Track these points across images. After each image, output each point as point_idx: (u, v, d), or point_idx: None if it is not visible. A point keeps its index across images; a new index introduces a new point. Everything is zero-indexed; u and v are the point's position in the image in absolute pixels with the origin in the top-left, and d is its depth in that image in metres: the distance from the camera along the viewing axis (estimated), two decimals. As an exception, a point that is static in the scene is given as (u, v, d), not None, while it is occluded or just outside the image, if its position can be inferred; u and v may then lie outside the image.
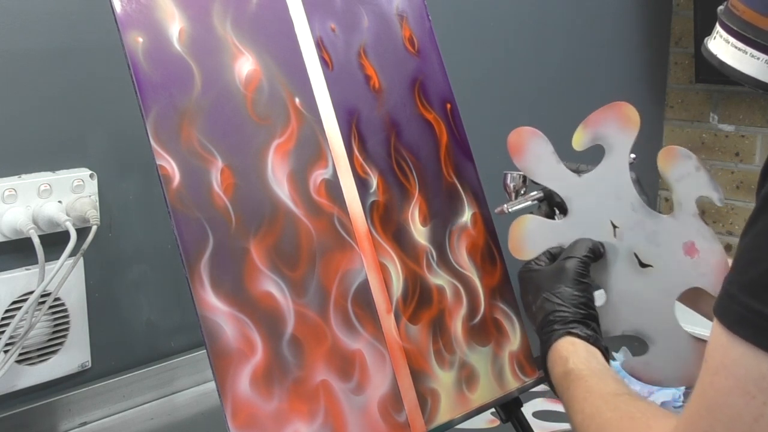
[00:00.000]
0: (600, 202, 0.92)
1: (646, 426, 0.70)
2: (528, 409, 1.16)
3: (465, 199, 1.04)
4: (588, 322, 0.87)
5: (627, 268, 0.92)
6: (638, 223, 0.90)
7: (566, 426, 1.23)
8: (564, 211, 0.96)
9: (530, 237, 0.96)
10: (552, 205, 0.98)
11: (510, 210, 0.98)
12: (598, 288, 0.93)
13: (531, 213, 0.99)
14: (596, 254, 0.92)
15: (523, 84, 1.81)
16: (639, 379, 0.92)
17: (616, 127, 0.93)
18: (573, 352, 0.84)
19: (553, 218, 0.97)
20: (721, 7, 0.80)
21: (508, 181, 0.99)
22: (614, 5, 2.01)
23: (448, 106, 1.06)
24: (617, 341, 1.30)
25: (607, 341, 0.89)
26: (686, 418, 0.64)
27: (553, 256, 0.95)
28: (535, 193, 0.99)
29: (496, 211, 0.99)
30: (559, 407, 1.28)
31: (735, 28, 0.77)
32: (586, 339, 0.85)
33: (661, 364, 0.91)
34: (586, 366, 0.82)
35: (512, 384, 1.00)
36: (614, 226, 0.91)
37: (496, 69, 1.74)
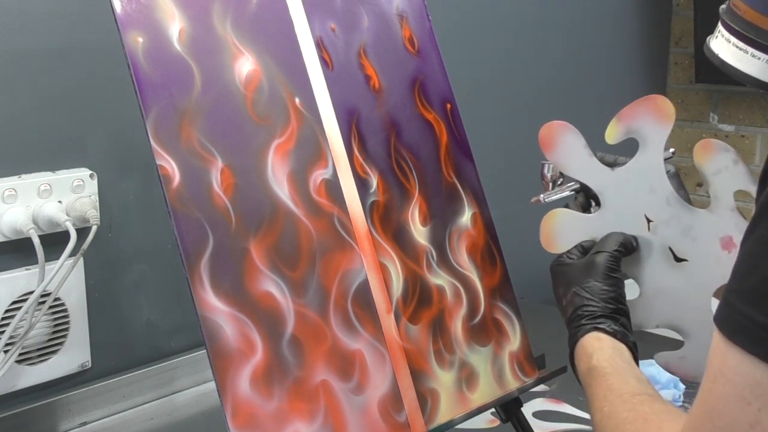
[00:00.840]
0: (634, 196, 0.92)
1: (657, 428, 0.71)
2: (528, 409, 1.16)
3: (465, 199, 1.04)
4: (617, 317, 0.86)
5: (662, 262, 0.91)
6: (673, 217, 0.90)
7: (566, 426, 1.23)
8: (598, 201, 0.95)
9: (562, 230, 0.95)
10: (589, 196, 0.97)
11: (546, 200, 0.97)
12: (626, 278, 0.92)
13: (566, 205, 0.97)
14: (628, 248, 0.91)
15: (523, 84, 1.81)
16: (673, 374, 0.92)
17: (651, 120, 0.92)
18: (598, 349, 0.84)
19: (589, 210, 0.96)
20: (723, 7, 0.80)
21: (546, 171, 0.98)
22: (614, 5, 2.01)
23: (448, 106, 1.06)
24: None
25: (640, 335, 0.88)
26: (689, 422, 0.65)
27: (585, 249, 0.94)
28: (572, 183, 0.97)
29: (531, 201, 0.98)
30: (559, 407, 1.28)
31: (736, 28, 0.77)
32: (613, 335, 0.85)
33: (696, 358, 0.89)
34: (610, 363, 0.82)
35: (512, 384, 1.00)
36: (648, 220, 0.90)
37: (496, 69, 1.74)
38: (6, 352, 1.06)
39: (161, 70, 0.83)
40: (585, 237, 0.94)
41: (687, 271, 0.89)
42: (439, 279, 0.98)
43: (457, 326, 0.98)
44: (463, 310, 0.99)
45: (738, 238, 0.84)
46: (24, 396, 1.12)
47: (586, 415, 1.25)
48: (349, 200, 0.92)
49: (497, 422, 1.13)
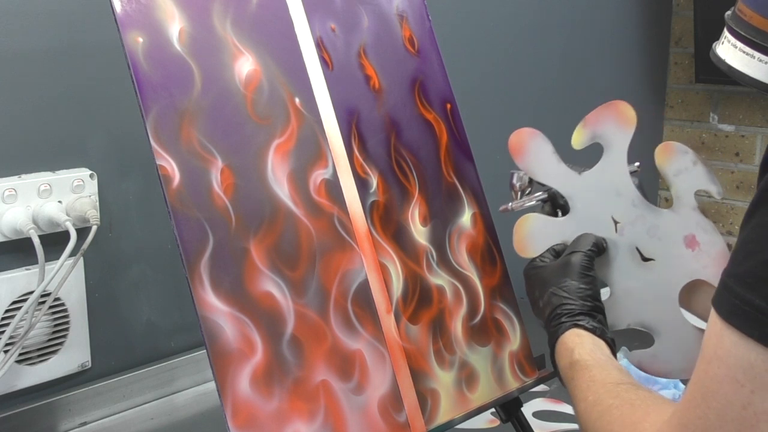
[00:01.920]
0: (601, 199, 0.94)
1: (644, 413, 0.72)
2: (528, 409, 1.16)
3: (465, 199, 1.04)
4: (594, 314, 0.88)
5: (629, 263, 0.93)
6: (639, 218, 0.92)
7: (566, 426, 1.23)
8: (566, 212, 0.97)
9: (534, 235, 0.97)
10: (555, 205, 0.99)
11: (514, 209, 0.99)
12: (604, 285, 0.94)
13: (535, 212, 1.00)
14: (599, 248, 0.93)
15: (523, 84, 1.81)
16: (646, 371, 0.94)
17: (614, 125, 0.94)
18: (579, 344, 0.85)
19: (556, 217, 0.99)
20: (728, 12, 0.81)
21: (514, 180, 1.00)
22: (614, 5, 2.01)
23: (448, 106, 1.06)
24: (617, 340, 1.30)
25: (614, 335, 0.90)
26: (682, 405, 0.66)
27: (557, 252, 0.96)
28: (539, 193, 1.00)
29: (500, 209, 1.00)
30: (559, 407, 1.28)
31: (742, 33, 0.78)
32: (592, 331, 0.87)
33: (667, 356, 0.92)
34: (591, 357, 0.84)
35: (512, 384, 1.00)
36: (615, 222, 0.93)
37: (496, 69, 1.74)
38: (6, 352, 1.06)
39: (161, 70, 0.83)
40: (556, 240, 0.96)
41: (654, 270, 0.92)
42: (439, 279, 0.98)
43: (457, 326, 0.98)
44: (463, 310, 0.99)
45: (700, 237, 0.87)
46: (24, 396, 1.12)
47: (586, 415, 1.25)
48: (349, 200, 0.92)
49: (497, 422, 1.13)
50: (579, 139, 0.96)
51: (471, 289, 1.00)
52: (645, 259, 0.92)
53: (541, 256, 0.96)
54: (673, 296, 0.91)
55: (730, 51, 0.80)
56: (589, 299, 0.89)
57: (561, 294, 0.89)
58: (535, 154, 0.96)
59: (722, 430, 0.61)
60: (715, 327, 0.63)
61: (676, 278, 0.90)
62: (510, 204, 1.00)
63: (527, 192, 1.01)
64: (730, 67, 0.80)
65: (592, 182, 0.95)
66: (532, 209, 1.00)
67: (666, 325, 0.92)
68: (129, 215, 1.20)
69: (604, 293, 0.93)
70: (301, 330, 0.85)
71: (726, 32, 0.81)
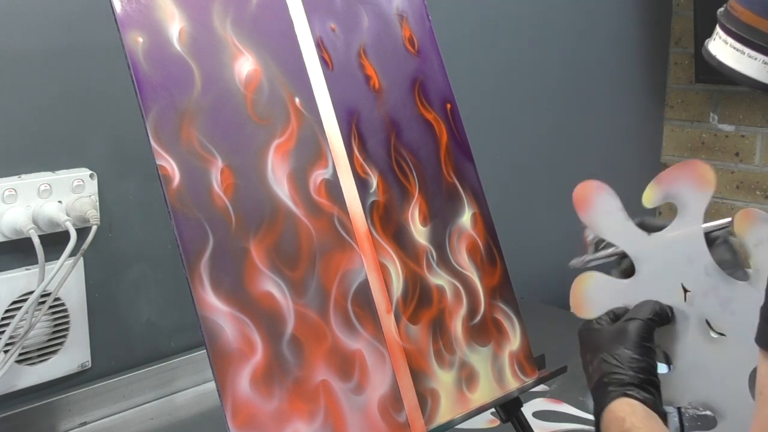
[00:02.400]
0: (670, 264, 0.87)
1: None
2: (528, 409, 1.16)
3: (465, 199, 1.04)
4: (647, 387, 0.82)
5: (697, 336, 0.86)
6: (712, 289, 0.85)
7: (566, 426, 1.23)
8: None
9: (594, 295, 0.92)
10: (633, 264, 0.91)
11: (588, 264, 0.92)
12: (664, 360, 0.88)
13: (609, 271, 0.93)
14: (662, 318, 0.87)
15: (523, 84, 1.81)
16: None
17: (690, 186, 0.88)
18: (630, 413, 0.80)
19: (633, 275, 0.91)
20: (720, 9, 0.80)
21: (587, 234, 0.92)
22: (614, 5, 2.01)
23: (448, 106, 1.06)
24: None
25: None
26: None
27: (617, 316, 0.90)
28: (615, 248, 0.92)
29: (570, 264, 0.94)
30: (559, 407, 1.28)
31: (733, 29, 0.77)
32: (644, 402, 0.80)
33: None
34: (645, 425, 0.78)
35: (512, 384, 1.00)
36: (685, 290, 0.86)
37: (496, 69, 1.74)
38: (6, 352, 1.06)
39: (161, 70, 0.83)
40: (617, 303, 0.90)
41: (725, 347, 0.85)
42: (439, 279, 0.98)
43: (457, 326, 0.98)
44: (463, 310, 0.99)
45: None
46: (24, 396, 1.12)
47: (587, 415, 1.25)
48: (349, 200, 0.92)
49: (497, 422, 1.13)
50: (651, 197, 0.89)
51: (471, 289, 1.00)
52: (716, 334, 0.85)
53: (598, 318, 0.90)
54: (743, 377, 0.84)
55: (721, 47, 0.78)
56: (642, 371, 0.82)
57: (612, 362, 0.83)
58: (601, 209, 0.90)
59: None
60: (764, 366, 0.59)
61: (749, 357, 0.80)
62: (581, 258, 0.93)
63: (602, 246, 0.93)
64: (720, 63, 0.78)
65: (662, 245, 0.88)
66: (607, 266, 0.93)
67: (733, 408, 0.85)
68: (129, 215, 1.20)
69: (662, 368, 0.86)
70: (301, 330, 0.85)
71: (718, 29, 0.80)
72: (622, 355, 0.83)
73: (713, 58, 0.79)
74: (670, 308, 0.87)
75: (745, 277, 0.86)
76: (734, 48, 0.77)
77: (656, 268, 0.88)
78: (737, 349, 0.83)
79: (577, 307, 0.92)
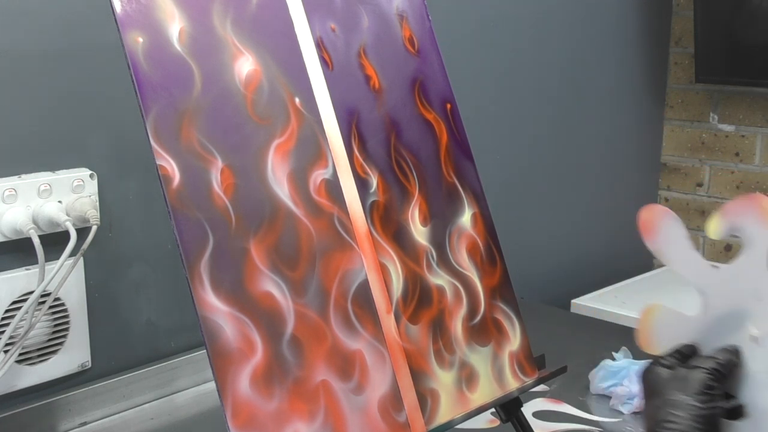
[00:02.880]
0: (738, 301, 0.83)
1: None
2: (528, 409, 1.16)
3: (465, 199, 1.04)
4: None
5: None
6: None
7: (566, 426, 1.23)
8: None
9: (660, 330, 0.88)
10: None
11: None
12: (735, 406, 0.83)
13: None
14: (728, 368, 0.82)
15: (523, 84, 1.81)
16: None
17: (755, 221, 0.82)
18: None
19: None
20: None
21: None
22: (614, 5, 2.01)
23: (448, 106, 1.06)
24: (617, 340, 1.30)
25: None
26: None
27: (683, 356, 0.85)
28: None
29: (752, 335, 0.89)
30: (559, 407, 1.28)
31: None
32: None
33: None
34: None
35: (512, 384, 1.00)
36: (754, 330, 0.82)
37: (496, 69, 1.74)
38: (6, 352, 1.06)
39: (161, 70, 0.83)
40: (684, 339, 0.86)
41: None
42: (439, 279, 0.98)
43: (457, 326, 0.98)
44: (463, 310, 0.99)
45: None
46: (24, 396, 1.12)
47: (587, 415, 1.25)
48: (349, 200, 0.92)
49: (497, 422, 1.13)
50: (716, 229, 0.84)
51: (471, 289, 1.00)
52: None
53: (664, 356, 0.85)
54: None
55: None
56: (702, 421, 0.77)
57: (669, 410, 0.79)
58: (667, 237, 0.86)
59: None
60: None
61: None
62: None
63: None
64: None
65: (728, 280, 0.84)
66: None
67: None
68: (129, 215, 1.20)
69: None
70: (301, 330, 0.85)
71: None
72: (681, 402, 0.79)
73: None
74: (737, 352, 0.82)
75: None
76: None
77: (723, 304, 0.84)
78: None
79: (644, 342, 0.88)
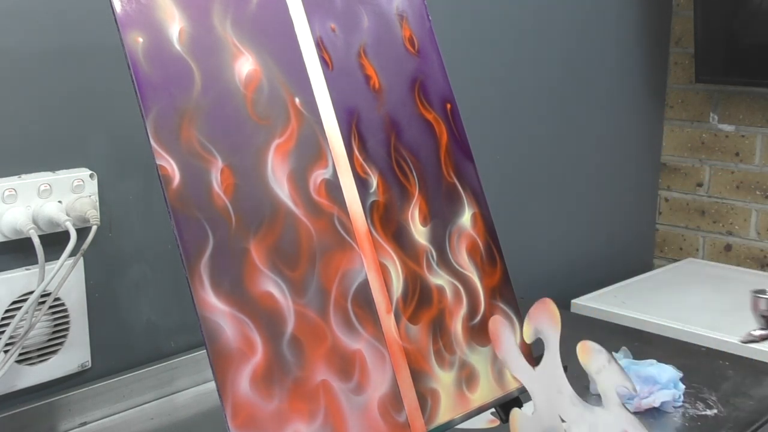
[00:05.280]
0: (549, 396, 0.94)
1: None
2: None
3: (465, 199, 1.04)
4: None
5: None
6: (579, 416, 0.91)
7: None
8: None
9: (522, 428, 0.98)
10: None
11: (763, 340, 0.93)
12: None
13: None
14: None
15: (523, 84, 1.81)
16: None
17: (548, 324, 0.93)
18: None
19: None
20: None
21: (763, 305, 0.94)
22: (614, 5, 2.01)
23: (448, 106, 1.06)
24: (617, 340, 1.30)
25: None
26: None
27: None
28: None
29: (742, 340, 0.93)
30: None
31: None
32: None
33: None
34: None
35: (512, 384, 1.00)
36: (563, 421, 0.92)
37: (496, 69, 1.74)
38: (6, 352, 1.06)
39: (161, 70, 0.83)
40: None
41: None
42: (439, 279, 0.98)
43: (457, 326, 0.98)
44: (463, 310, 0.99)
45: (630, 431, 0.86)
46: (24, 396, 1.12)
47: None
48: (349, 200, 0.92)
49: (497, 422, 1.13)
50: (526, 333, 0.95)
51: (471, 289, 1.00)
52: None
53: None
54: None
55: None
56: None
57: None
58: (505, 345, 0.95)
59: None
60: None
61: None
62: (757, 332, 0.93)
63: None
64: None
65: (540, 378, 0.94)
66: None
67: None
68: (129, 215, 1.20)
69: None
70: (301, 330, 0.85)
71: None
72: None
73: None
74: None
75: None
76: None
77: (543, 401, 0.94)
78: None
79: None
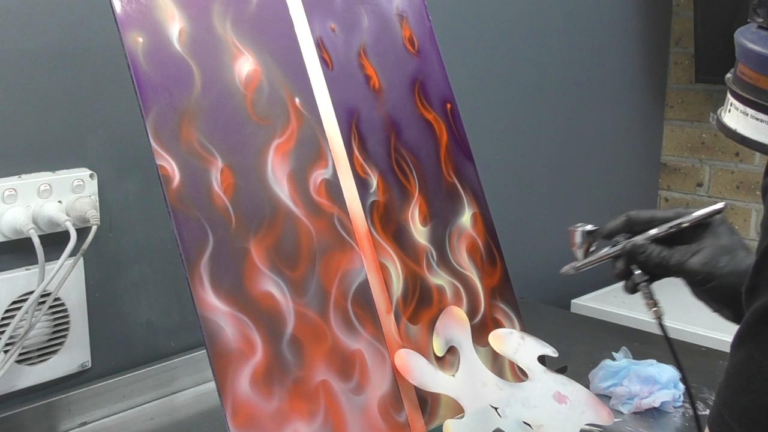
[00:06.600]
0: (476, 394, 0.94)
1: None
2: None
3: (465, 199, 1.04)
4: None
5: None
6: (510, 397, 0.92)
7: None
8: (644, 266, 0.93)
9: None
10: (629, 262, 0.93)
11: (580, 270, 0.96)
12: None
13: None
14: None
15: (523, 84, 1.81)
16: None
17: (455, 328, 0.95)
18: None
19: (630, 275, 0.94)
20: (728, 75, 0.76)
21: (576, 238, 0.95)
22: (614, 5, 2.01)
23: (448, 106, 1.06)
24: (617, 340, 1.30)
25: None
26: None
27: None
28: (608, 249, 0.95)
29: (561, 271, 0.95)
30: (558, 407, 1.28)
31: (751, 98, 0.71)
32: None
33: None
34: None
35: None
36: (495, 408, 0.92)
37: (496, 69, 1.74)
38: (6, 352, 1.06)
39: (161, 70, 0.83)
40: None
41: None
42: (439, 279, 0.98)
43: (457, 326, 0.98)
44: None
45: (564, 390, 0.88)
46: (24, 396, 1.12)
47: (586, 415, 1.25)
48: (349, 200, 0.92)
49: (497, 422, 1.13)
50: (437, 347, 0.96)
51: (471, 289, 1.00)
52: (537, 428, 0.92)
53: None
54: None
55: (741, 119, 0.73)
56: None
57: None
58: (416, 369, 0.95)
59: None
60: None
61: None
62: (573, 264, 0.95)
63: (592, 249, 0.95)
64: (743, 138, 0.72)
65: (463, 381, 0.95)
66: (598, 269, 0.96)
67: None
68: (129, 215, 1.20)
69: None
70: (301, 330, 0.85)
71: (731, 98, 0.74)
72: None
73: (734, 133, 0.73)
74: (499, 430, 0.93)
75: (747, 256, 0.87)
76: (757, 119, 0.72)
77: (472, 402, 0.94)
78: (556, 430, 0.90)
79: None
